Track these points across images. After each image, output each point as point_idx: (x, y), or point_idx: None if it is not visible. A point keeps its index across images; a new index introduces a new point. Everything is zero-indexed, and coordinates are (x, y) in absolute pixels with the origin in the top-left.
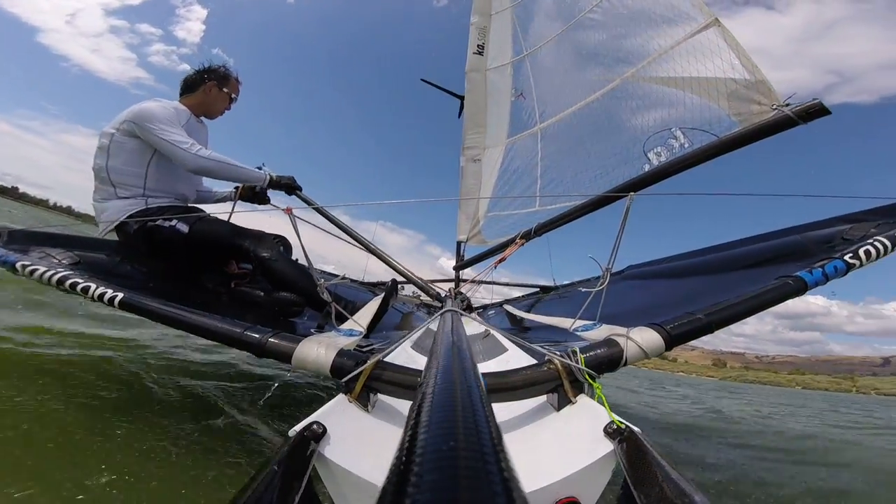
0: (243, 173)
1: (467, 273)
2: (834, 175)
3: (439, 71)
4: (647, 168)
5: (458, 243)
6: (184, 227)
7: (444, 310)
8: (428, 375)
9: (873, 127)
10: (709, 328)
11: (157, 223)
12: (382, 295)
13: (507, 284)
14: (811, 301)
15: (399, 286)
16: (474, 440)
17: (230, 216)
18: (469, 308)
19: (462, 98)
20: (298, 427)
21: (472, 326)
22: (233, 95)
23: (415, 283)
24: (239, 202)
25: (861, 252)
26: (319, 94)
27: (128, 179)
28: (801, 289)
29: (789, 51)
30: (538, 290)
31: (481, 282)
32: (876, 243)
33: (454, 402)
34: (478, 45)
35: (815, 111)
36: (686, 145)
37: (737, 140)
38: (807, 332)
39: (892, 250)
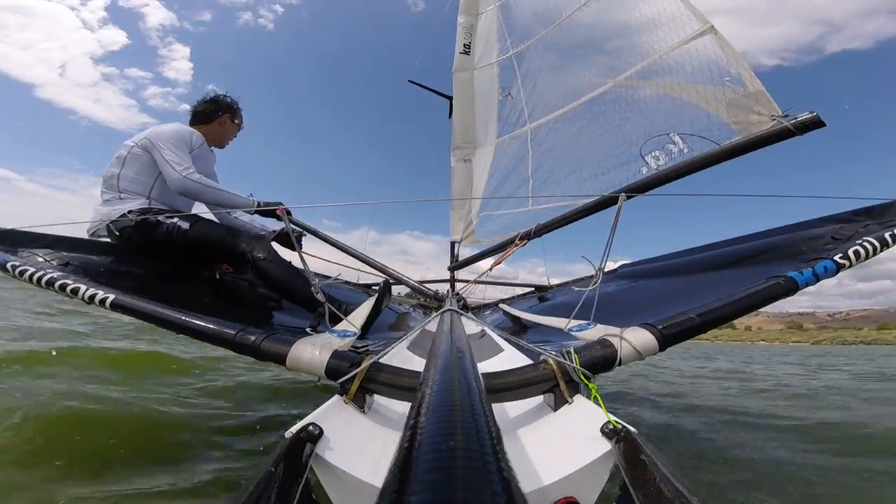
0: (228, 198)
1: (462, 273)
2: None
3: (421, 71)
4: (644, 171)
5: (452, 243)
6: (185, 224)
7: (443, 310)
8: (428, 375)
9: (881, 68)
10: (701, 328)
11: (157, 219)
12: (376, 296)
13: (503, 284)
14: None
15: (393, 287)
16: (474, 440)
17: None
18: (465, 308)
19: (451, 98)
20: (294, 428)
21: (469, 326)
22: (241, 125)
23: (409, 286)
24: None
25: (850, 252)
26: (308, 110)
27: (135, 188)
28: (791, 289)
29: (772, 6)
30: (534, 289)
31: (477, 281)
32: (865, 244)
33: (454, 402)
34: (464, 45)
35: (812, 123)
36: (685, 150)
37: (737, 149)
38: (876, 282)
39: (881, 251)
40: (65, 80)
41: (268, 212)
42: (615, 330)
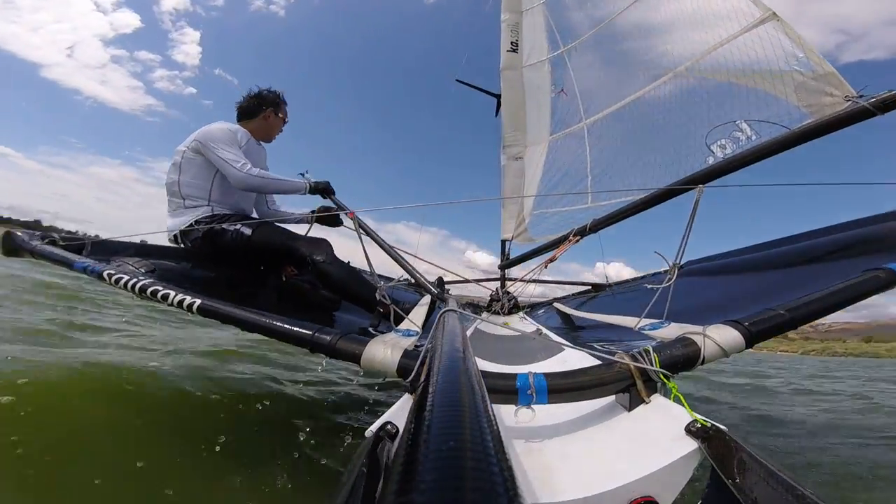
0: (286, 185)
1: (515, 272)
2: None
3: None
4: (710, 161)
5: (503, 242)
6: (247, 231)
7: (444, 310)
8: (429, 375)
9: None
10: (791, 324)
11: (222, 227)
12: (432, 294)
13: (555, 283)
14: None
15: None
16: (478, 441)
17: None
18: (517, 307)
19: (498, 97)
20: (374, 427)
21: (523, 325)
22: (285, 119)
23: (421, 285)
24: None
25: None
26: (316, 95)
27: (196, 192)
28: (892, 282)
29: (790, 11)
30: (590, 287)
31: (529, 280)
32: None
33: (454, 402)
34: (511, 43)
35: (892, 102)
36: (753, 137)
37: (810, 132)
38: None
39: None
40: (72, 61)
41: (318, 190)
42: (696, 328)
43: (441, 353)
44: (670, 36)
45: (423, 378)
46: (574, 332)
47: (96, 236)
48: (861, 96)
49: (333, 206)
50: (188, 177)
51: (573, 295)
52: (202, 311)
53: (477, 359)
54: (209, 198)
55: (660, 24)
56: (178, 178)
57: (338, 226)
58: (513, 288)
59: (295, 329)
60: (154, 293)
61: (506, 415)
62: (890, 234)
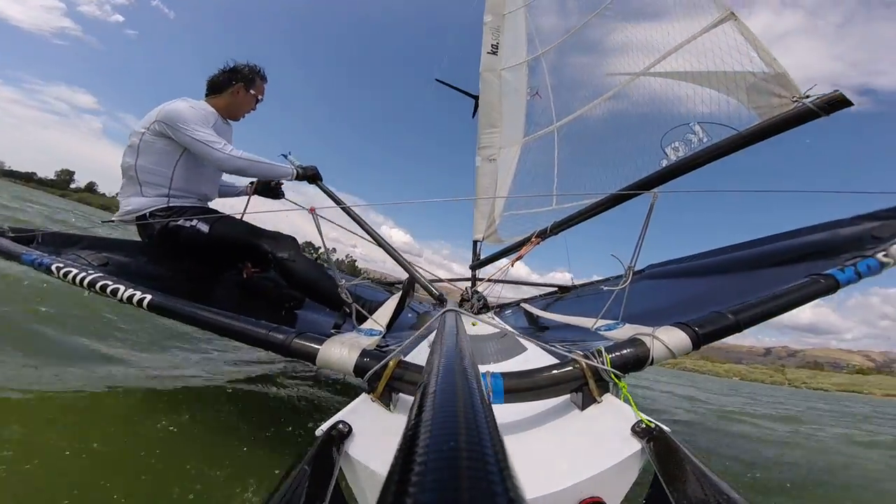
0: (274, 170)
1: (487, 273)
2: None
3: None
4: (664, 163)
5: (475, 242)
6: (204, 227)
7: (444, 310)
8: (429, 375)
9: (828, 132)
10: (737, 327)
11: (178, 223)
12: (400, 294)
13: (524, 284)
14: None
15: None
16: (475, 441)
17: (244, 213)
18: (486, 307)
19: (476, 98)
20: (325, 426)
21: (490, 326)
22: (259, 97)
23: (421, 284)
24: (257, 198)
25: (894, 250)
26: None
27: (154, 178)
28: (832, 287)
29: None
30: (556, 289)
31: (498, 281)
32: None
33: (455, 403)
34: (492, 45)
35: (837, 102)
36: (705, 140)
37: (757, 134)
38: None
39: None
40: None
41: (306, 177)
42: (647, 329)
43: (441, 353)
44: (636, 38)
45: (423, 378)
46: (539, 332)
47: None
48: (807, 97)
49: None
50: (147, 161)
51: (541, 296)
52: (153, 307)
53: None
54: (169, 185)
55: (628, 27)
56: (136, 162)
57: (279, 198)
58: (482, 288)
59: (248, 327)
60: (103, 288)
61: None
62: (836, 241)
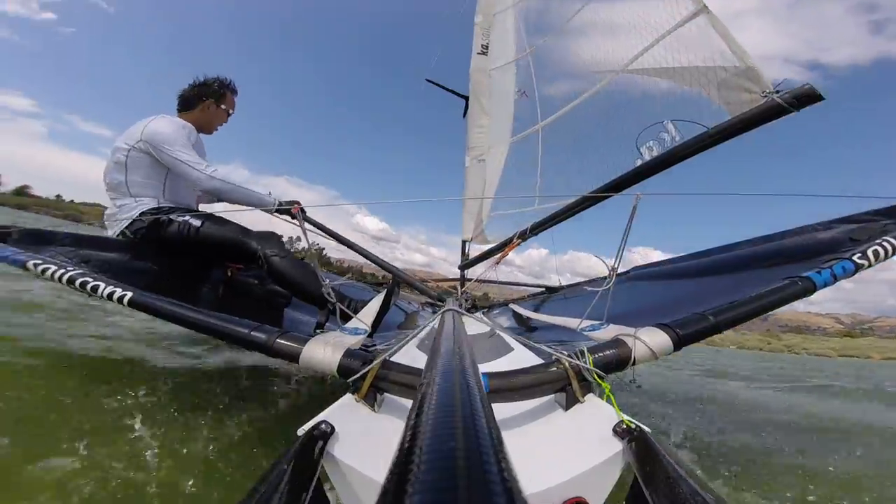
0: (251, 196)
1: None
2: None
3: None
4: (638, 163)
5: (463, 242)
6: (196, 222)
7: (444, 309)
8: (429, 376)
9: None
10: (716, 328)
11: (169, 217)
12: (385, 293)
13: (512, 284)
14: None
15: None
16: (474, 441)
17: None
18: (474, 307)
19: (467, 98)
20: (307, 426)
21: (478, 325)
22: (230, 111)
23: (414, 286)
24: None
25: (870, 252)
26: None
27: (147, 191)
28: (809, 289)
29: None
30: (544, 290)
31: (486, 281)
32: (884, 243)
33: (455, 403)
34: (482, 45)
35: (807, 97)
36: (677, 138)
37: (726, 131)
38: None
39: None
40: None
41: (286, 211)
42: (629, 330)
43: (441, 353)
44: (614, 36)
45: (423, 378)
46: (527, 332)
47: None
48: (777, 91)
49: (311, 228)
50: (138, 177)
51: (529, 296)
52: (133, 304)
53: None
54: (162, 195)
55: (608, 24)
56: (126, 178)
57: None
58: (470, 288)
59: (230, 326)
60: (83, 285)
61: None
62: (815, 244)
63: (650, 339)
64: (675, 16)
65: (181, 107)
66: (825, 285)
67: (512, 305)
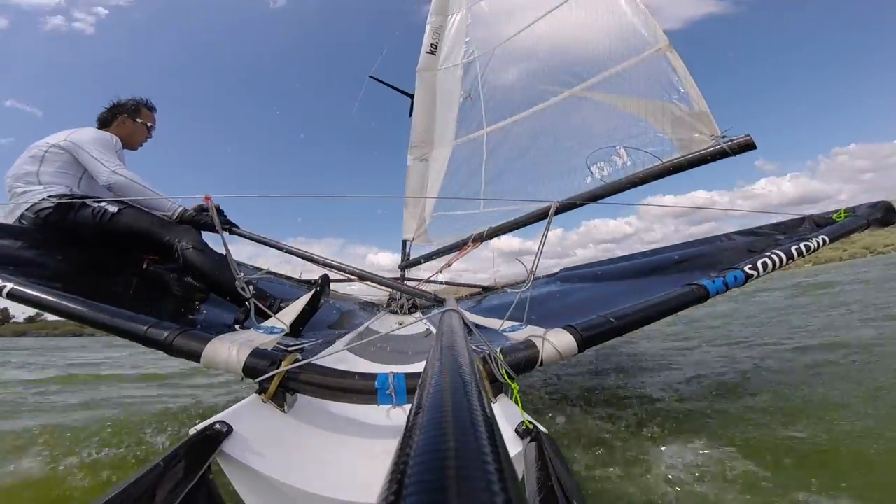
0: (154, 200)
1: (415, 272)
2: None
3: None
4: (588, 181)
5: (404, 242)
6: (112, 208)
7: (444, 309)
8: (428, 376)
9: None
10: (618, 331)
11: (83, 201)
12: (312, 292)
13: (452, 284)
14: (696, 196)
15: (342, 285)
16: (473, 441)
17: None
18: (415, 307)
19: (412, 96)
20: (200, 426)
21: (416, 326)
22: (148, 124)
23: (410, 292)
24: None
25: (759, 264)
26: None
27: (59, 180)
28: (703, 296)
29: None
30: (481, 290)
31: (428, 280)
32: (773, 256)
33: (454, 402)
34: (431, 45)
35: (745, 145)
36: (628, 163)
37: (677, 166)
38: (705, 225)
39: (786, 263)
40: None
41: (193, 222)
42: (540, 331)
43: (441, 353)
44: (572, 55)
45: (423, 378)
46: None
47: None
48: (724, 137)
49: (226, 221)
50: (51, 168)
51: (467, 296)
52: (12, 296)
53: (358, 358)
54: (76, 187)
55: (565, 43)
56: (39, 169)
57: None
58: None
59: (126, 322)
60: None
61: (376, 414)
62: (717, 253)
63: (557, 341)
64: (639, 49)
65: (99, 126)
66: (717, 293)
67: (448, 306)
